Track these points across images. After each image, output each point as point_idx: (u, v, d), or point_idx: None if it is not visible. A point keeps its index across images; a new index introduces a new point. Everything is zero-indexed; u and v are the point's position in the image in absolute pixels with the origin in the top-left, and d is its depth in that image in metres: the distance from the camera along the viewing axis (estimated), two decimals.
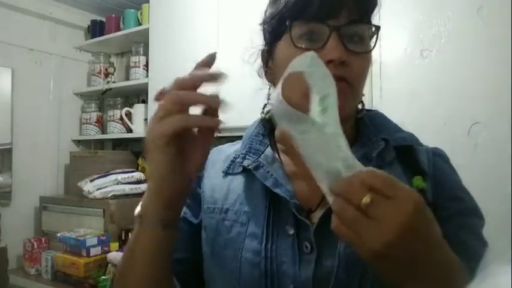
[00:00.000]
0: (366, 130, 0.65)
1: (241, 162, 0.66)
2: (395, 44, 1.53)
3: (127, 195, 2.10)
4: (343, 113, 0.56)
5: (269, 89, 0.66)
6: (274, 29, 0.62)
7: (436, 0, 1.46)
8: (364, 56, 0.59)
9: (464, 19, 1.41)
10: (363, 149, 0.62)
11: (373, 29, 0.60)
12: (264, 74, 0.68)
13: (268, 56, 0.66)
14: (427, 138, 0.69)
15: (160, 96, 0.49)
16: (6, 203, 2.28)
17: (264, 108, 0.70)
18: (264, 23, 0.65)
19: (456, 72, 1.42)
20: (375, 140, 0.63)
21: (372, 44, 0.60)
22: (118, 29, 2.49)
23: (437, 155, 0.66)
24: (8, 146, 2.29)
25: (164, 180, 0.50)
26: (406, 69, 1.50)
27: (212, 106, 0.49)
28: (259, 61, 0.68)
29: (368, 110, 0.69)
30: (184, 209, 0.72)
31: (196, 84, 0.49)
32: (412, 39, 1.50)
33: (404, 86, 1.50)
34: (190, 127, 0.50)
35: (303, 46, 0.58)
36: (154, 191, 0.51)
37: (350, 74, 0.57)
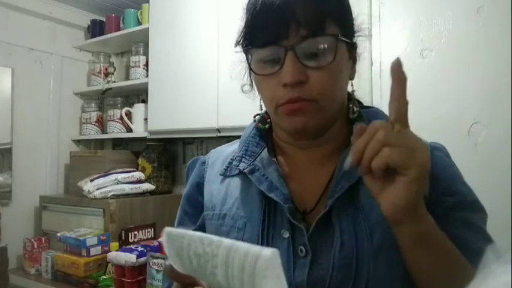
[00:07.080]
0: None
1: (238, 165, 0.67)
2: (396, 44, 1.53)
3: (127, 195, 2.09)
4: (305, 128, 0.59)
5: (260, 100, 0.66)
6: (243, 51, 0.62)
7: (436, 0, 1.46)
8: (327, 68, 0.57)
9: (464, 19, 1.41)
10: None
11: (334, 38, 0.57)
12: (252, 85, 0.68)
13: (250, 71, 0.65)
14: (427, 138, 0.69)
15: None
16: (6, 203, 2.28)
17: (255, 117, 0.72)
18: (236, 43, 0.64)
19: (456, 72, 1.42)
20: None
21: (334, 54, 0.57)
22: (118, 29, 2.49)
23: (436, 149, 0.65)
24: (8, 146, 2.29)
25: None
26: (406, 69, 1.50)
27: None
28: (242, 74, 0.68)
29: (367, 107, 0.69)
30: (181, 219, 0.72)
31: None
32: (412, 39, 1.50)
33: None
34: None
35: (264, 73, 0.59)
36: None
37: (311, 91, 0.57)
